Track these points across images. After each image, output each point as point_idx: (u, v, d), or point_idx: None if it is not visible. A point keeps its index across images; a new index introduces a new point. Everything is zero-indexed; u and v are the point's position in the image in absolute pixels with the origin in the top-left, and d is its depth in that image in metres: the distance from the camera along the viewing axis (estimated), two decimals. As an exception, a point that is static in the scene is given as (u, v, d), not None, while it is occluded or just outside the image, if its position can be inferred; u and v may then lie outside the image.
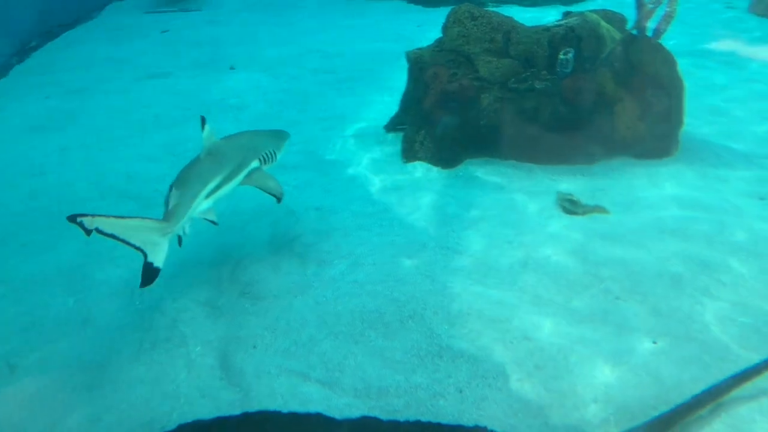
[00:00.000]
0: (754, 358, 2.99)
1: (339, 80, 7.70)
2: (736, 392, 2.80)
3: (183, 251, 3.74)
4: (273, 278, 3.84)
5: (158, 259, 3.32)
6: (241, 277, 3.86)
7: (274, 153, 4.12)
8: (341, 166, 5.43)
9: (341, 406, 2.94)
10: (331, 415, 2.88)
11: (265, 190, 3.93)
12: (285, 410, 2.95)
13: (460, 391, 2.95)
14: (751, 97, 6.64)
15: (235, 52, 8.93)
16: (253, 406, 2.96)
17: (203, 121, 3.69)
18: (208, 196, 3.67)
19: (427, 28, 9.42)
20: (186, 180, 3.58)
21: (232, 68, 8.07)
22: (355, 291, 3.66)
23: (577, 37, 5.16)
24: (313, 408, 2.93)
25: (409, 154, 5.44)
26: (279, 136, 4.26)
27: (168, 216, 3.39)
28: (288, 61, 8.39)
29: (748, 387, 2.83)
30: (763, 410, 2.75)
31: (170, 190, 3.46)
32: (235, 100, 7.07)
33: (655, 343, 3.16)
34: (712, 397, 2.72)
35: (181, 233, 3.52)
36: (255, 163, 3.97)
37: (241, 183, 3.87)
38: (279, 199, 3.96)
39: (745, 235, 4.07)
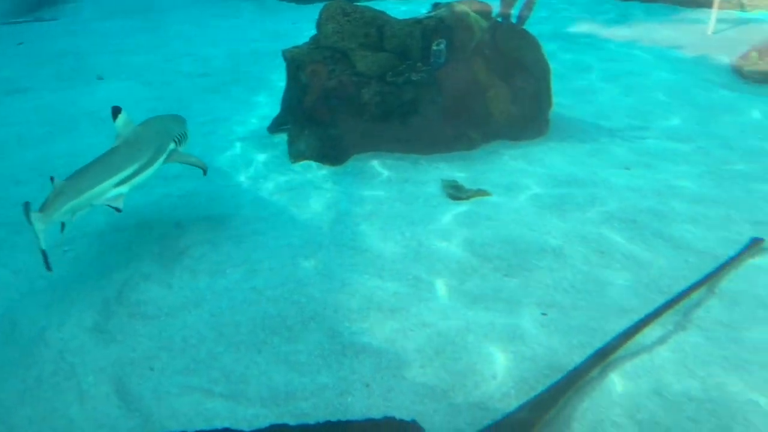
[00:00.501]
0: (637, 317, 3.24)
1: (216, 83, 7.51)
2: (621, 351, 3.02)
3: (66, 274, 3.52)
4: (164, 295, 3.70)
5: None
6: (129, 298, 3.68)
7: (185, 133, 4.51)
8: (227, 171, 5.30)
9: (249, 417, 2.89)
10: (239, 428, 2.82)
11: (190, 165, 4.36)
12: (190, 430, 2.85)
13: (367, 386, 2.99)
14: (612, 75, 7.14)
15: (101, 61, 8.48)
16: (156, 430, 2.84)
17: (118, 110, 4.03)
18: (121, 182, 3.90)
19: (303, 26, 9.41)
20: (84, 171, 3.80)
21: (100, 78, 7.67)
22: (253, 298, 3.60)
23: (448, 27, 5.33)
24: (219, 423, 2.86)
25: (295, 154, 5.40)
26: (180, 119, 4.69)
27: (43, 206, 3.57)
28: (159, 67, 8.10)
29: (631, 345, 3.06)
30: (645, 366, 2.98)
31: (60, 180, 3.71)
32: (107, 113, 6.64)
33: (544, 314, 3.34)
34: (601, 358, 2.92)
35: (65, 220, 3.71)
36: (171, 146, 4.33)
37: (164, 162, 4.23)
38: (204, 171, 4.37)
39: (615, 204, 4.39)
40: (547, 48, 5.86)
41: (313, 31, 5.73)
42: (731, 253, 3.76)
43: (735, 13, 9.48)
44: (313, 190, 4.89)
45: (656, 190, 4.59)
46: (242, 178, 5.17)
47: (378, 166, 5.17)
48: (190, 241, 4.25)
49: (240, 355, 3.22)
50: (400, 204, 4.60)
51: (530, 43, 5.53)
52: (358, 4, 5.82)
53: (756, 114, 6.01)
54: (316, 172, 5.18)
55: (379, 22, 5.41)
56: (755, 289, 3.47)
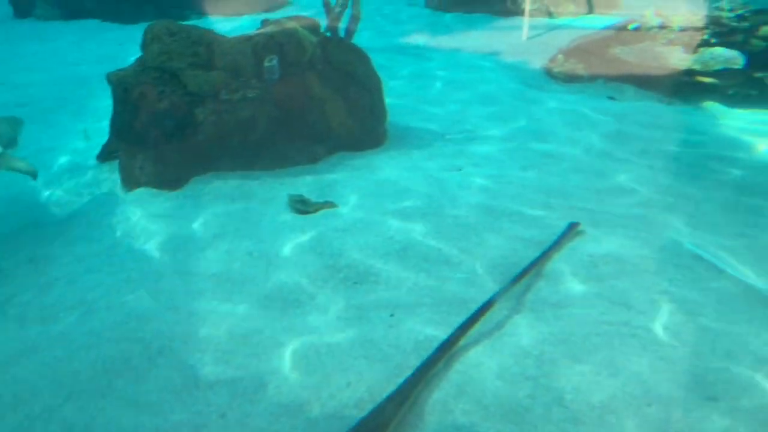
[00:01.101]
0: (476, 306, 3.42)
1: (36, 113, 6.91)
2: (463, 341, 3.17)
3: None
4: (-13, 351, 3.32)
5: None
6: (-56, 360, 3.26)
7: (15, 137, 4.42)
8: (54, 206, 4.89)
9: (96, 470, 2.67)
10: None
11: (17, 171, 4.18)
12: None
13: (223, 416, 2.88)
14: (440, 82, 7.53)
15: None
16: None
17: None
18: None
19: (130, 47, 8.95)
20: None
21: None
22: (92, 342, 3.33)
23: (278, 43, 5.32)
24: (62, 483, 2.62)
25: (129, 182, 5.11)
26: (14, 121, 4.61)
27: None
28: None
29: (472, 334, 3.23)
30: (486, 352, 3.16)
31: None
32: None
33: (392, 315, 3.43)
34: (444, 351, 3.05)
35: None
36: None
37: None
38: (34, 176, 4.26)
39: (449, 203, 4.63)
40: (378, 60, 6.05)
41: (138, 52, 5.46)
42: (554, 238, 4.11)
43: (545, 20, 10.40)
44: (150, 218, 4.64)
45: (484, 186, 4.90)
46: (71, 212, 4.79)
47: (220, 186, 5.02)
48: (15, 287, 3.86)
49: (82, 404, 2.96)
50: (246, 224, 4.50)
51: (360, 57, 5.67)
52: (185, 23, 5.64)
53: (558, 106, 6.61)
54: (152, 199, 4.92)
55: (207, 40, 5.27)
56: (573, 268, 3.82)
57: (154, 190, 5.01)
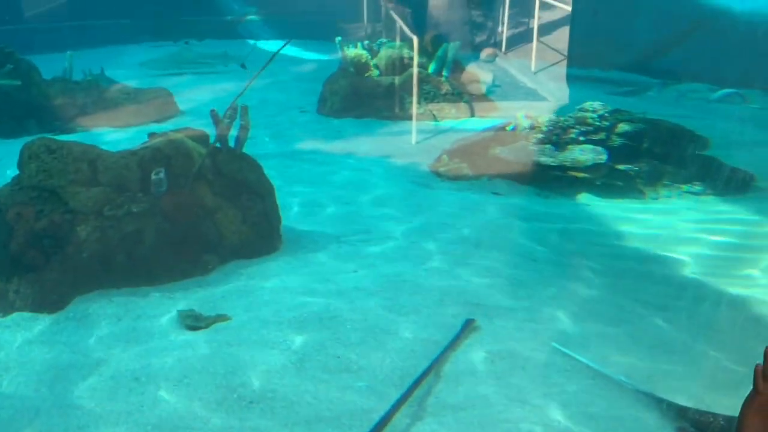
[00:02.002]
0: (378, 416, 3.31)
1: None
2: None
3: None
4: None
5: None
6: None
7: None
8: None
9: None
10: None
11: None
12: None
13: None
14: (334, 185, 7.65)
15: None
16: None
17: None
18: None
19: (8, 163, 8.42)
20: None
21: None
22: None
23: (166, 156, 5.24)
24: None
25: (3, 306, 4.71)
26: None
27: None
28: None
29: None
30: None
31: None
32: None
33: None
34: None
35: None
36: None
37: None
38: None
39: (346, 306, 4.57)
40: (272, 165, 6.10)
41: (15, 170, 5.20)
42: (451, 336, 4.13)
43: (431, 124, 10.97)
44: (27, 346, 4.26)
45: (380, 287, 4.90)
46: (-68, 347, 4.30)
47: (105, 305, 4.72)
48: None
49: None
50: (133, 345, 4.22)
51: (251, 165, 5.68)
52: (70, 136, 5.48)
53: (451, 206, 6.87)
54: (30, 323, 4.54)
55: (90, 156, 5.11)
56: (471, 367, 3.82)
57: (32, 314, 4.63)
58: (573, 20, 12.99)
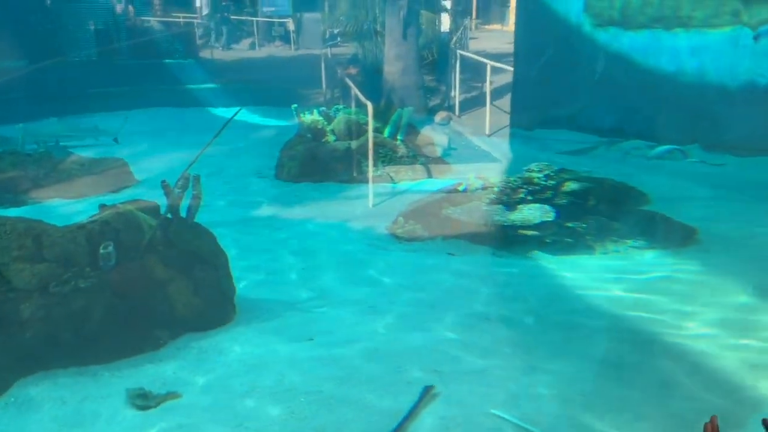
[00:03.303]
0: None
1: None
2: None
3: None
4: None
5: None
6: None
7: None
8: None
9: None
10: None
11: None
12: None
13: None
14: (291, 251, 7.59)
15: None
16: None
17: None
18: None
19: None
20: None
21: None
22: None
23: (115, 229, 5.14)
24: None
25: (-62, 394, 4.44)
26: None
27: None
28: None
29: None
30: None
31: None
32: None
33: None
34: None
35: None
36: None
37: None
38: None
39: (299, 379, 4.46)
40: (227, 233, 6.02)
41: None
42: (410, 404, 4.04)
43: (389, 186, 11.08)
44: (-39, 436, 4.01)
45: (338, 356, 4.81)
46: None
47: (49, 388, 4.50)
48: None
49: None
50: (77, 430, 4.00)
51: (204, 235, 5.61)
52: (17, 209, 5.32)
53: (406, 267, 6.85)
54: (-34, 412, 4.28)
55: (35, 231, 4.96)
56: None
57: (-32, 402, 4.37)
58: (515, 84, 13.50)
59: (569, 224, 6.91)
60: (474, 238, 7.20)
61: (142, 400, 4.27)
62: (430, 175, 11.23)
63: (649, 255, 6.83)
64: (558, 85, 12.62)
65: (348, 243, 7.87)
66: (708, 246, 7.02)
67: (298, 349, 4.92)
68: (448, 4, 18.94)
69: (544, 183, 7.26)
